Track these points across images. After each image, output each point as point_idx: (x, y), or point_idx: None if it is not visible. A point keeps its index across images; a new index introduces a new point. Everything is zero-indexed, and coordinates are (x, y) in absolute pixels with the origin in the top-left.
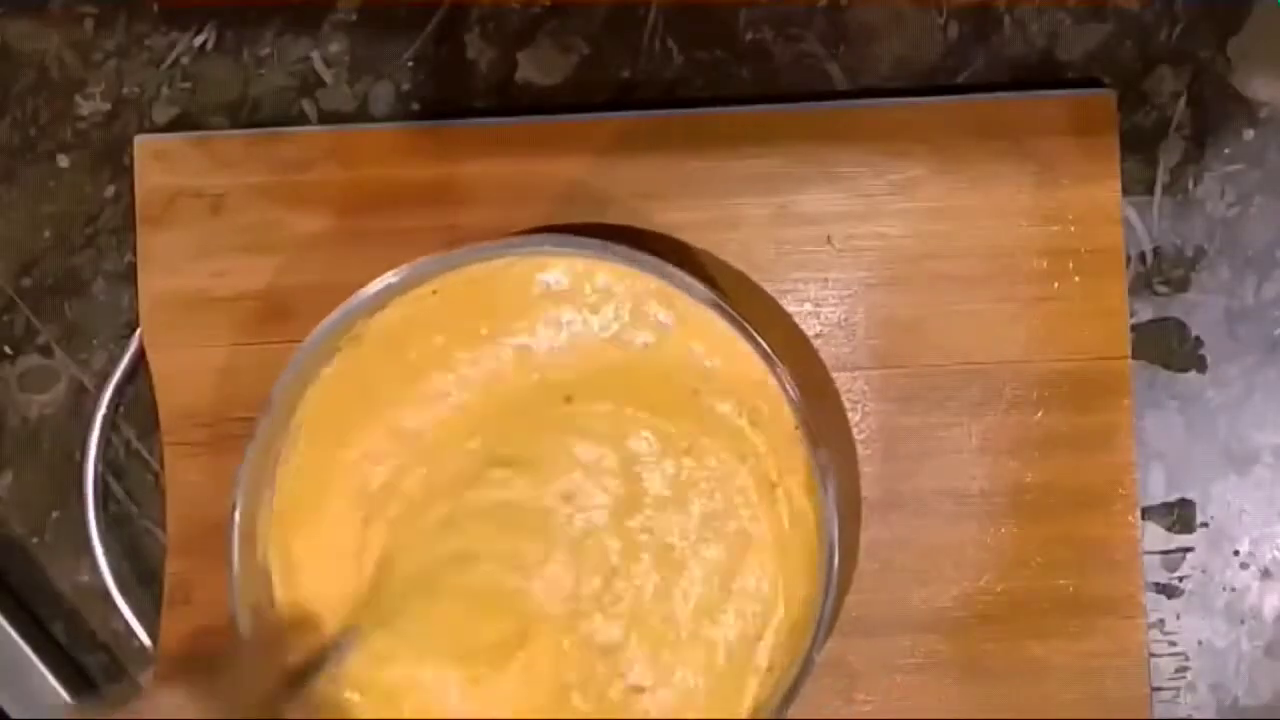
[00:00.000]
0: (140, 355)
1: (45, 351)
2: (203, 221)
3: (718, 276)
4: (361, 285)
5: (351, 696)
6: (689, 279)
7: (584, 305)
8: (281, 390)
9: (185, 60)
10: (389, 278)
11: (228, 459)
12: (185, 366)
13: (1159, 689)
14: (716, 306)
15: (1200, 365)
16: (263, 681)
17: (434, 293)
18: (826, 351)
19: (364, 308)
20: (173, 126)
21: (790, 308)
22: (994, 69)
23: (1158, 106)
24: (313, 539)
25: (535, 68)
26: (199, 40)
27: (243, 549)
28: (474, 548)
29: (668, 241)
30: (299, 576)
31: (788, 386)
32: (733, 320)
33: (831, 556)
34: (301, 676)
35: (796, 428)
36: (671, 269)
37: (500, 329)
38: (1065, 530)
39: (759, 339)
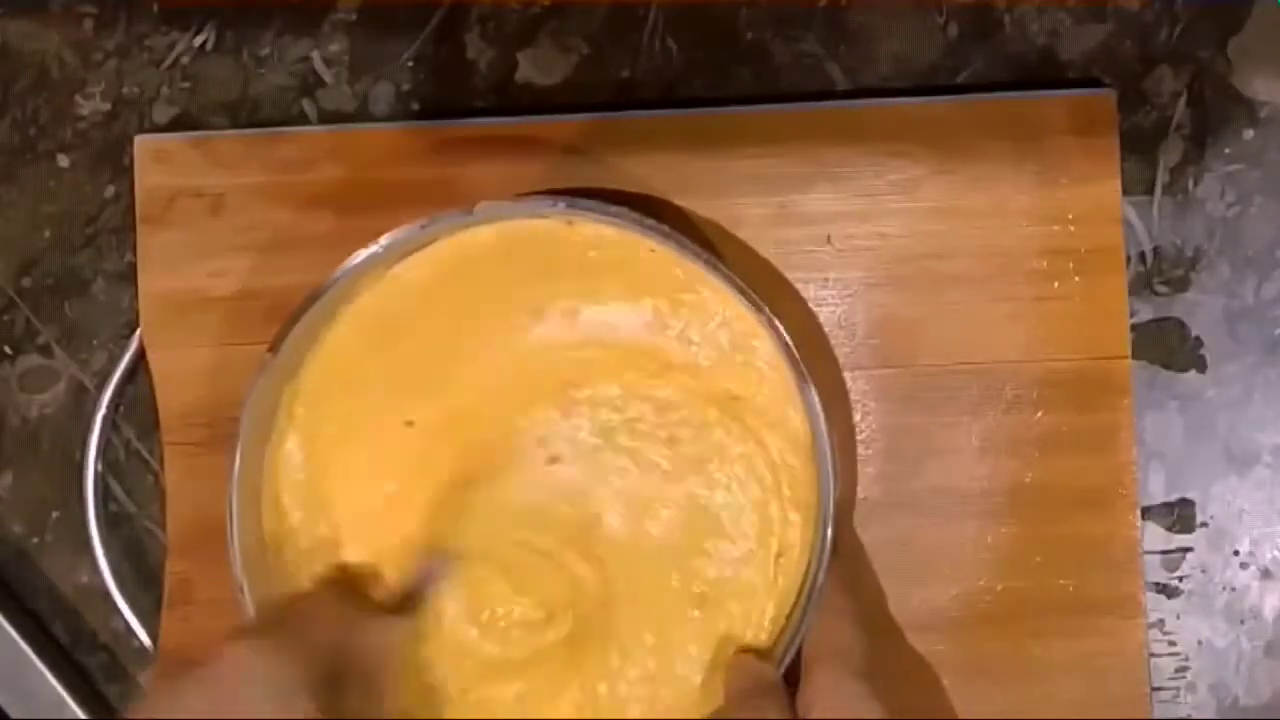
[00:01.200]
0: (140, 355)
1: (45, 351)
2: (202, 221)
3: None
4: None
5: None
6: (667, 229)
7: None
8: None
9: (185, 60)
10: (373, 247)
11: (227, 459)
12: (185, 366)
13: (1159, 689)
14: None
15: (1200, 365)
16: (336, 625)
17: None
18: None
19: (332, 296)
20: (173, 126)
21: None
22: (994, 69)
23: (1158, 106)
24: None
25: (535, 68)
26: (199, 40)
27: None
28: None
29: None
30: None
31: (784, 335)
32: (726, 276)
33: (828, 491)
34: (385, 617)
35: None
36: (652, 221)
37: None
38: (1065, 530)
39: (752, 294)
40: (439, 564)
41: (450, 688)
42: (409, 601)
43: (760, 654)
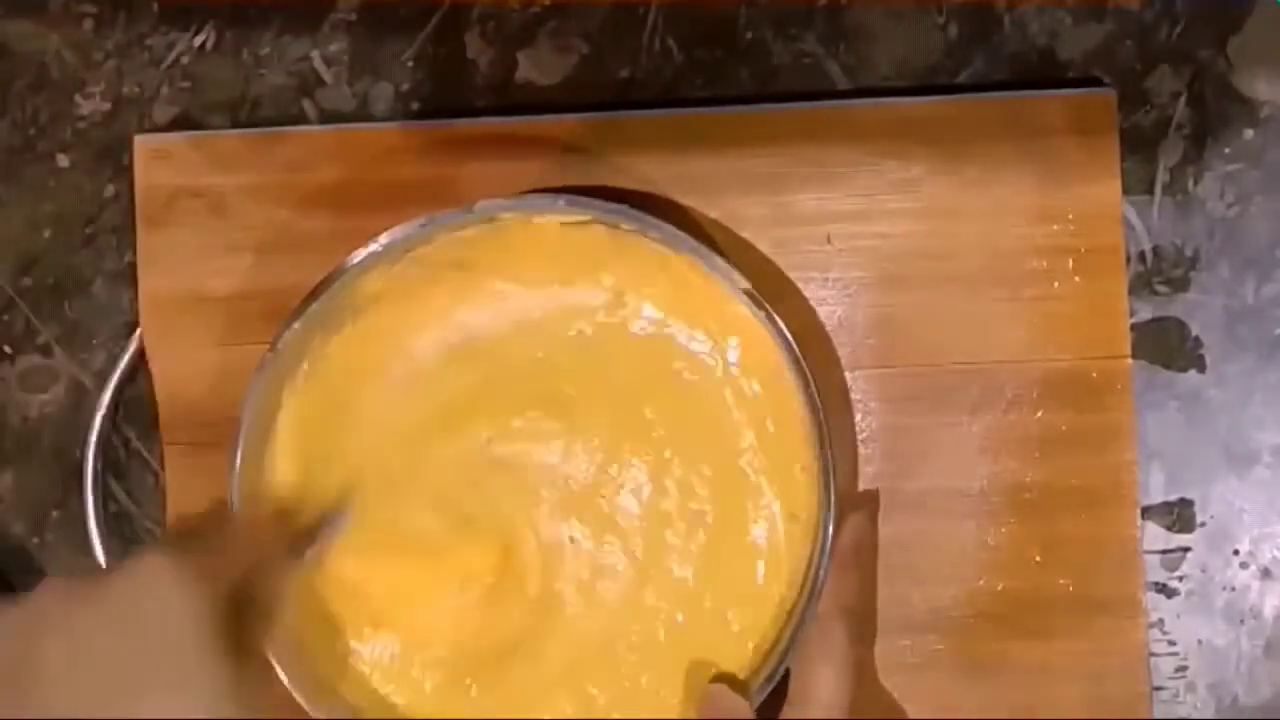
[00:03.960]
0: (140, 355)
1: (45, 351)
2: (202, 221)
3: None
4: None
5: (322, 588)
6: (668, 226)
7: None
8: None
9: (185, 60)
10: (372, 245)
11: (227, 459)
12: (185, 366)
13: (1159, 688)
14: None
15: (1200, 365)
16: (248, 553)
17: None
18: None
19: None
20: (172, 126)
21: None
22: (994, 69)
23: (1158, 106)
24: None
25: (535, 67)
26: (199, 40)
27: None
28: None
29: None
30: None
31: (784, 331)
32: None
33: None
34: (287, 554)
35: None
36: (653, 219)
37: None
38: (1065, 530)
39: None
40: (332, 522)
41: (348, 623)
42: (308, 538)
43: (737, 683)
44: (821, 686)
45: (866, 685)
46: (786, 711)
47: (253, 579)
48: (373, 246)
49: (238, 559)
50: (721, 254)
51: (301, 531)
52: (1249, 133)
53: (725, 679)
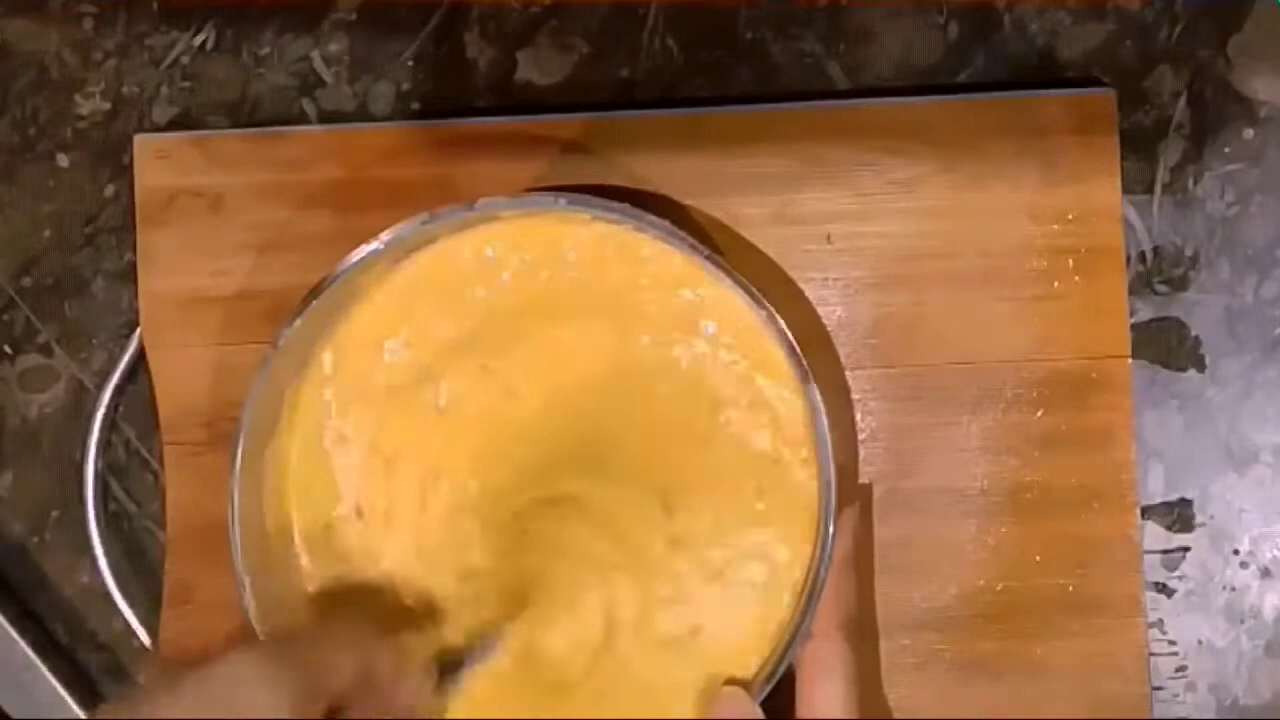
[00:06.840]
0: (140, 355)
1: (45, 351)
2: (202, 221)
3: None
4: None
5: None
6: (669, 224)
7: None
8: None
9: (185, 59)
10: (374, 244)
11: (227, 459)
12: (185, 366)
13: (1159, 688)
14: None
15: (1200, 364)
16: (353, 663)
17: None
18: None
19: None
20: (172, 126)
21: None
22: (994, 69)
23: (1158, 106)
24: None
25: (535, 67)
26: (199, 39)
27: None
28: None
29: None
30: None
31: (784, 331)
32: (723, 269)
33: (829, 506)
34: (424, 675)
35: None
36: (653, 217)
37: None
38: (1065, 530)
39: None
40: (483, 648)
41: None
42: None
43: (740, 682)
44: (829, 701)
45: (870, 686)
46: None
47: (385, 699)
48: (373, 245)
49: (340, 670)
50: (721, 254)
51: (444, 650)
52: (1249, 132)
53: (731, 680)
